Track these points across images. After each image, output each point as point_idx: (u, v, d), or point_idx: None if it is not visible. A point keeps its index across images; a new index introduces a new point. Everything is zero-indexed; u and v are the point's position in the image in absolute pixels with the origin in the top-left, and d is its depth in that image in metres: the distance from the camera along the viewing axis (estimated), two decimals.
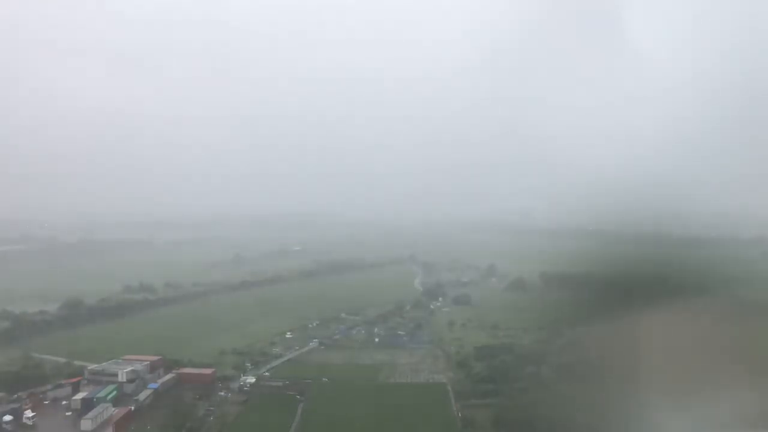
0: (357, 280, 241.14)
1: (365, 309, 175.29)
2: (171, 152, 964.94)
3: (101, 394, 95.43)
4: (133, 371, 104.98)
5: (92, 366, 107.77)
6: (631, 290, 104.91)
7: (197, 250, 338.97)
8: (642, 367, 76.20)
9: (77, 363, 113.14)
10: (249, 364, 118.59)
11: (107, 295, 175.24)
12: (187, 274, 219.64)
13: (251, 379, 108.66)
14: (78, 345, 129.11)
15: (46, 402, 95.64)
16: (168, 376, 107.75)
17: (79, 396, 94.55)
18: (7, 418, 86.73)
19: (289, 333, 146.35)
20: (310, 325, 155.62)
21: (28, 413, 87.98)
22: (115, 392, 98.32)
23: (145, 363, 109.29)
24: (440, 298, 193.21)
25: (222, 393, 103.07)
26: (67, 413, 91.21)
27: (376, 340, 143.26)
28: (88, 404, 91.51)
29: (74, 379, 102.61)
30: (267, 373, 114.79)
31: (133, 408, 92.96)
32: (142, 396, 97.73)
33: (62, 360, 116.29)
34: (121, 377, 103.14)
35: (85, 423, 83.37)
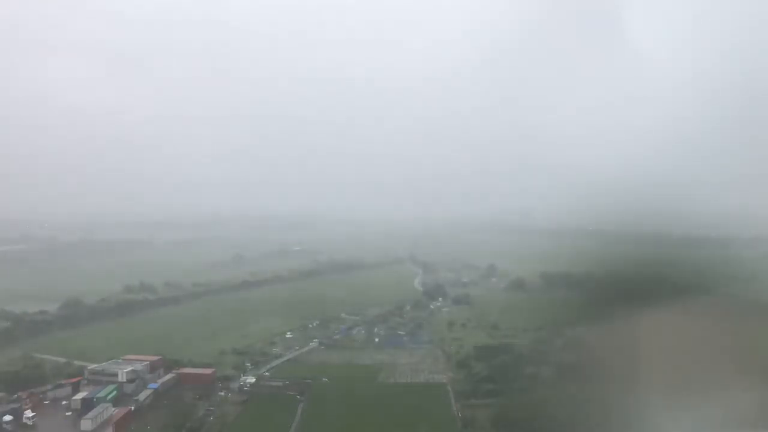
0: (357, 280, 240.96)
1: (365, 309, 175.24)
2: (171, 152, 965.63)
3: (101, 394, 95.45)
4: (133, 371, 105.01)
5: (92, 366, 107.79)
6: (631, 290, 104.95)
7: (197, 250, 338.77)
8: (642, 367, 76.26)
9: (77, 363, 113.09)
10: (249, 364, 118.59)
11: (107, 295, 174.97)
12: (187, 274, 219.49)
13: (251, 379, 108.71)
14: (78, 345, 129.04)
15: (46, 402, 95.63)
16: (168, 376, 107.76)
17: (79, 396, 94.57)
18: (7, 418, 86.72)
19: (289, 333, 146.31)
20: (310, 325, 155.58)
21: (28, 413, 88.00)
22: (115, 392, 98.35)
23: (145, 363, 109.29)
24: (440, 298, 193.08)
25: (222, 393, 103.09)
26: (67, 413, 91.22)
27: (376, 340, 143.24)
28: (88, 404, 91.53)
29: (74, 379, 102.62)
30: (267, 373, 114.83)
31: (133, 408, 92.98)
32: (142, 396, 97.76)
33: (62, 360, 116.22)
34: (121, 377, 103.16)
35: (85, 423, 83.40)
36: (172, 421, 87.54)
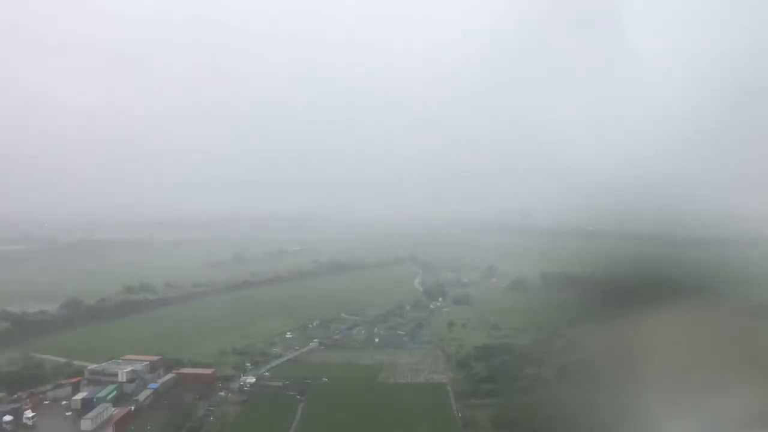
0: (357, 280, 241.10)
1: (365, 309, 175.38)
2: (171, 152, 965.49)
3: (101, 394, 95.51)
4: (133, 371, 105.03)
5: (92, 366, 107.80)
6: (632, 290, 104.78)
7: (197, 250, 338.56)
8: (642, 368, 76.17)
9: (77, 363, 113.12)
10: (249, 364, 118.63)
11: (107, 295, 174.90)
12: (187, 274, 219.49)
13: (251, 379, 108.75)
14: (78, 345, 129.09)
15: (46, 402, 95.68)
16: (168, 376, 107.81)
17: (79, 396, 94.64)
18: (7, 418, 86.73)
19: (289, 333, 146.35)
20: (310, 325, 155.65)
21: (28, 413, 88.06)
22: (115, 392, 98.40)
23: (145, 363, 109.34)
24: (440, 298, 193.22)
25: (222, 393, 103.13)
26: (67, 413, 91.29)
27: (376, 340, 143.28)
28: (88, 404, 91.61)
29: (74, 379, 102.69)
30: (267, 373, 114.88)
31: (133, 408, 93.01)
32: (142, 396, 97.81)
33: (62, 360, 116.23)
34: (121, 377, 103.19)
35: (85, 423, 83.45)
36: (172, 421, 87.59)
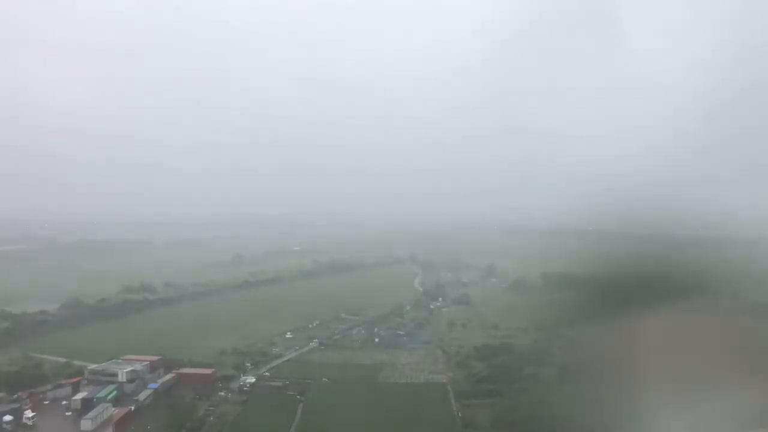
0: (357, 280, 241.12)
1: (365, 309, 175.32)
2: (171, 152, 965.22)
3: (101, 394, 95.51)
4: (133, 371, 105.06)
5: (92, 366, 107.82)
6: (632, 290, 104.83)
7: (197, 250, 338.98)
8: (642, 368, 76.17)
9: (77, 363, 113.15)
10: (249, 364, 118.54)
11: (107, 295, 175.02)
12: (187, 274, 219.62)
13: (251, 379, 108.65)
14: (78, 345, 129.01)
15: (46, 402, 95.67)
16: (168, 376, 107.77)
17: (79, 396, 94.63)
18: (7, 418, 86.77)
19: (289, 333, 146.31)
20: (310, 325, 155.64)
21: (28, 413, 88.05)
22: (115, 392, 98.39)
23: (145, 363, 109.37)
24: (440, 298, 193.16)
25: (222, 393, 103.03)
26: (67, 413, 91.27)
27: (376, 340, 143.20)
28: (88, 404, 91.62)
29: (74, 379, 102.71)
30: (267, 373, 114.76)
31: (133, 408, 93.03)
32: (142, 396, 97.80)
33: (62, 360, 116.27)
34: (121, 377, 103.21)
35: (85, 423, 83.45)
36: (172, 421, 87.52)
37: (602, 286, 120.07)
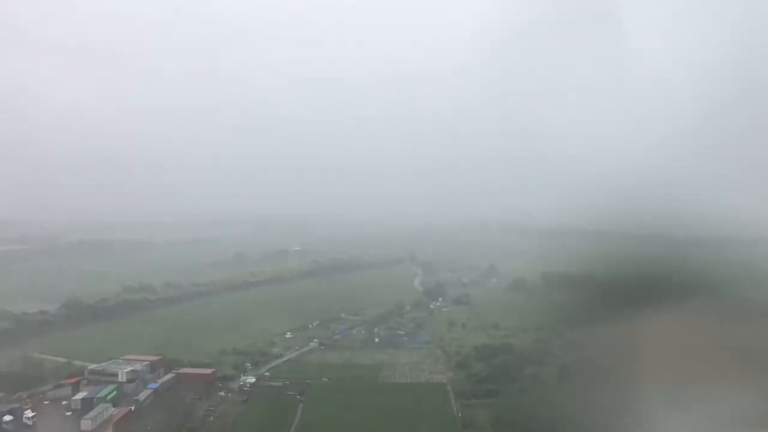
0: (357, 280, 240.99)
1: (365, 309, 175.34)
2: (171, 152, 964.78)
3: (101, 394, 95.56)
4: (133, 371, 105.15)
5: (92, 366, 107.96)
6: (632, 290, 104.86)
7: (197, 250, 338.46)
8: (642, 368, 76.20)
9: (77, 363, 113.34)
10: (249, 364, 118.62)
11: (107, 295, 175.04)
12: (187, 274, 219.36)
13: (251, 379, 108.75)
14: (78, 345, 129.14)
15: (46, 402, 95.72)
16: (168, 376, 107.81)
17: (79, 396, 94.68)
18: (7, 418, 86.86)
19: (289, 333, 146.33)
20: (310, 325, 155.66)
21: (28, 413, 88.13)
22: (115, 392, 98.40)
23: (145, 363, 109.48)
24: (440, 298, 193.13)
25: (222, 393, 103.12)
26: (67, 413, 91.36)
27: (376, 340, 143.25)
28: (88, 404, 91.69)
29: (74, 379, 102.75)
30: (267, 373, 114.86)
31: (133, 408, 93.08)
32: (142, 396, 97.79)
33: (62, 360, 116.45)
34: (121, 377, 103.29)
35: (85, 423, 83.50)
36: (172, 421, 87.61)
37: (602, 286, 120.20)
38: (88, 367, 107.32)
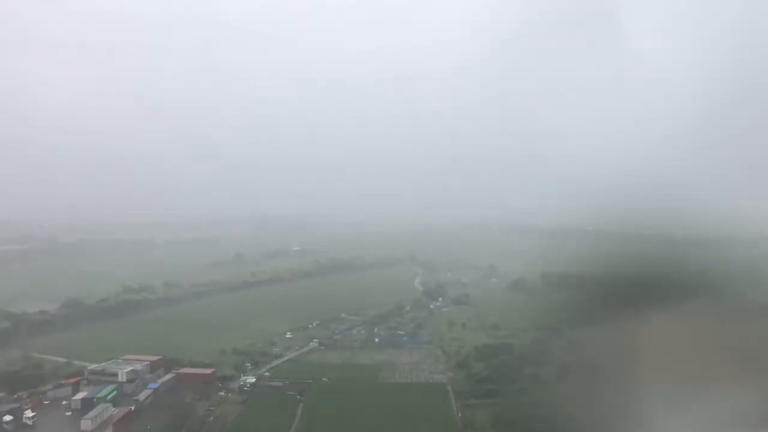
0: (357, 280, 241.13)
1: (365, 309, 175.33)
2: (171, 152, 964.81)
3: (101, 394, 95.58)
4: (133, 371, 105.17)
5: (92, 366, 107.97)
6: (632, 290, 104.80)
7: (197, 250, 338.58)
8: (642, 368, 76.15)
9: (77, 363, 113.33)
10: (249, 364, 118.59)
11: (107, 295, 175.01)
12: (187, 274, 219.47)
13: (251, 379, 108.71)
14: (78, 345, 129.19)
15: (46, 402, 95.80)
16: (168, 376, 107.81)
17: (79, 396, 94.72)
18: (7, 418, 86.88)
19: (289, 333, 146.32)
20: (310, 325, 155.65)
21: (28, 413, 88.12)
22: (115, 392, 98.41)
23: (145, 363, 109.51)
24: (440, 298, 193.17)
25: (222, 393, 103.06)
26: (67, 413, 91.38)
27: (376, 340, 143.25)
28: (88, 404, 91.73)
29: (74, 379, 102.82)
30: (267, 373, 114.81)
31: (133, 408, 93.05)
32: (142, 396, 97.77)
33: (62, 360, 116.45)
34: (121, 377, 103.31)
35: (85, 423, 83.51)
36: (172, 421, 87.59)
37: (602, 286, 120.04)
38: (88, 367, 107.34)
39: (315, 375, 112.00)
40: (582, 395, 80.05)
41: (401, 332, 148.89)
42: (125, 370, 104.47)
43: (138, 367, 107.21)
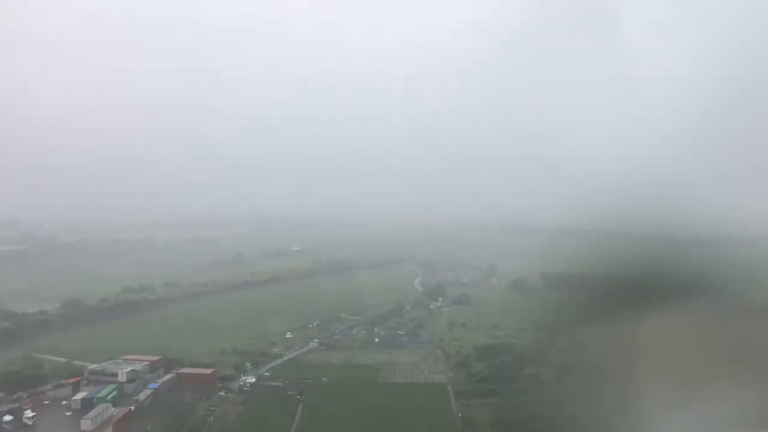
0: (357, 280, 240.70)
1: (365, 309, 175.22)
2: (171, 152, 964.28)
3: (101, 394, 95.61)
4: (133, 371, 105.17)
5: (92, 366, 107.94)
6: (632, 290, 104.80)
7: (197, 250, 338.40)
8: (642, 368, 76.17)
9: (77, 363, 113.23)
10: (249, 364, 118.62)
11: (107, 295, 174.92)
12: (187, 274, 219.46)
13: (251, 379, 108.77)
14: (78, 345, 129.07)
15: (46, 402, 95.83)
16: (168, 376, 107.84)
17: (79, 396, 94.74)
18: (7, 418, 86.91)
19: (289, 333, 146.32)
20: (310, 325, 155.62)
21: (28, 413, 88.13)
22: (115, 392, 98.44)
23: (145, 363, 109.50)
24: (440, 298, 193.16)
25: (222, 393, 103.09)
26: (67, 413, 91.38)
27: (376, 340, 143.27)
28: (88, 404, 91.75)
29: (74, 379, 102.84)
30: (267, 373, 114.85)
31: (133, 408, 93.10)
32: (142, 396, 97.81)
33: (62, 360, 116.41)
34: (121, 377, 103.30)
35: (85, 423, 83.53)
36: (172, 421, 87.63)
37: (602, 286, 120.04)
38: (88, 367, 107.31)
39: (315, 375, 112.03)
40: (582, 395, 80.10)
41: (401, 332, 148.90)
42: (125, 370, 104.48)
43: (138, 367, 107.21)
